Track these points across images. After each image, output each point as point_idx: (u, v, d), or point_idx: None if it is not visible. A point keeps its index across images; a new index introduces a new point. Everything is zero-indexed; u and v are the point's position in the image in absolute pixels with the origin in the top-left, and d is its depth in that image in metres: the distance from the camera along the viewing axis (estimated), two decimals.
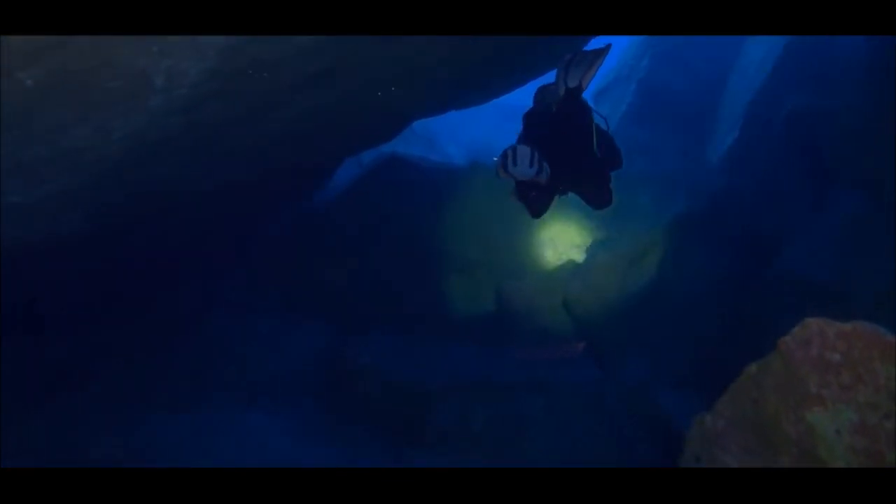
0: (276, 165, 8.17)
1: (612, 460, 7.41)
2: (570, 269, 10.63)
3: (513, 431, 7.67)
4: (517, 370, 8.74)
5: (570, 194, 5.05)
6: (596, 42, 8.43)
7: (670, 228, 10.29)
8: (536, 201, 4.95)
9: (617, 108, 13.47)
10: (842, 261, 8.23)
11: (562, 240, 11.12)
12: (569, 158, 4.71)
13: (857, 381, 3.47)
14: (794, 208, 9.54)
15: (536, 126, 4.97)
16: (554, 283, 10.51)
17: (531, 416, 7.75)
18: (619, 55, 15.53)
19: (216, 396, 8.28)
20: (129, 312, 8.96)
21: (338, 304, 10.42)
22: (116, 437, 7.35)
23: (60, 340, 8.29)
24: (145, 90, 4.85)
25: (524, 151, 4.37)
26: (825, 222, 8.76)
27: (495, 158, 4.47)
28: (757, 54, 12.28)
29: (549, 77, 5.95)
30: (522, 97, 7.62)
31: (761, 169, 10.53)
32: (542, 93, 5.25)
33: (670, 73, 13.73)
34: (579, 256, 11.05)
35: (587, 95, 5.08)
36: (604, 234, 10.99)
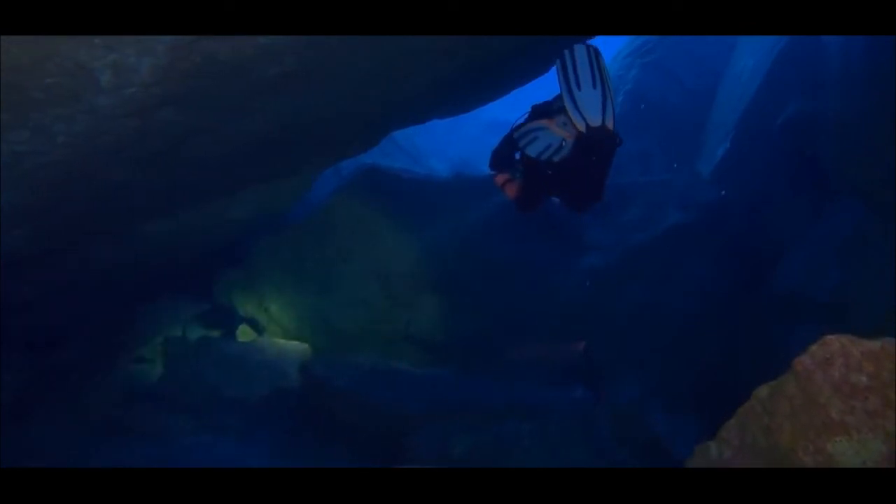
0: (243, 177, 7.74)
1: None
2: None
3: (496, 459, 7.18)
4: (501, 393, 8.30)
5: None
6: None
7: (663, 240, 9.94)
8: (528, 198, 4.92)
9: None
10: (842, 274, 7.90)
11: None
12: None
13: (887, 406, 3.07)
14: (791, 219, 9.24)
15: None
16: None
17: (516, 442, 7.29)
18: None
19: (182, 423, 7.77)
20: (83, 334, 8.42)
21: (312, 325, 9.95)
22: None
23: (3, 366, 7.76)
24: (89, 88, 4.41)
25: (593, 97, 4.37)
26: (824, 233, 8.44)
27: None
28: (748, 63, 12.05)
29: (535, 85, 5.70)
30: (506, 112, 7.30)
31: (756, 179, 10.25)
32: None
33: (659, 83, 13.52)
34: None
35: None
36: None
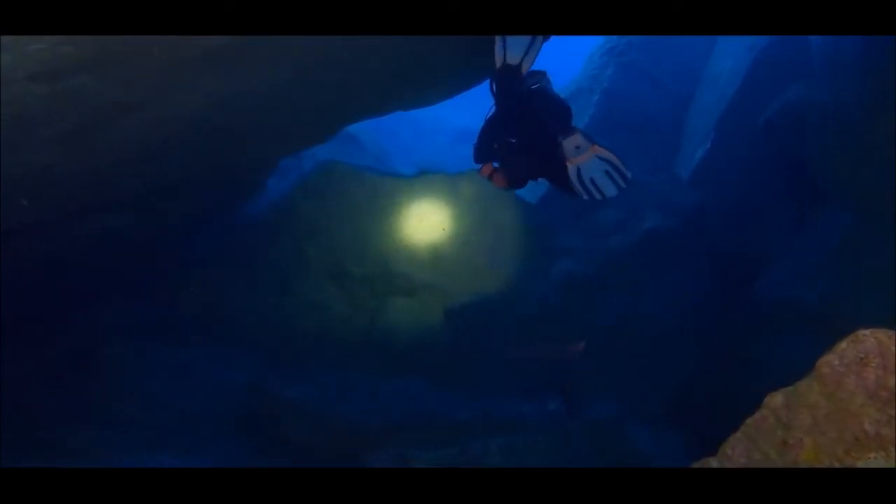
0: (188, 169, 7.06)
1: None
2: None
3: None
4: (469, 405, 7.73)
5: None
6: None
7: (640, 246, 9.45)
8: (515, 178, 5.21)
9: (580, 120, 12.71)
10: (832, 281, 7.45)
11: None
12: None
13: None
14: (776, 223, 8.82)
15: None
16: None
17: (483, 459, 6.70)
18: (580, 65, 14.96)
19: (112, 440, 7.03)
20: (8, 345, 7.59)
21: (264, 331, 9.27)
22: None
23: None
24: None
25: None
26: (812, 238, 8.02)
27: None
28: (727, 64, 11.70)
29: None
30: (477, 120, 6.87)
31: (738, 181, 9.84)
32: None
33: (635, 83, 13.12)
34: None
35: None
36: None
